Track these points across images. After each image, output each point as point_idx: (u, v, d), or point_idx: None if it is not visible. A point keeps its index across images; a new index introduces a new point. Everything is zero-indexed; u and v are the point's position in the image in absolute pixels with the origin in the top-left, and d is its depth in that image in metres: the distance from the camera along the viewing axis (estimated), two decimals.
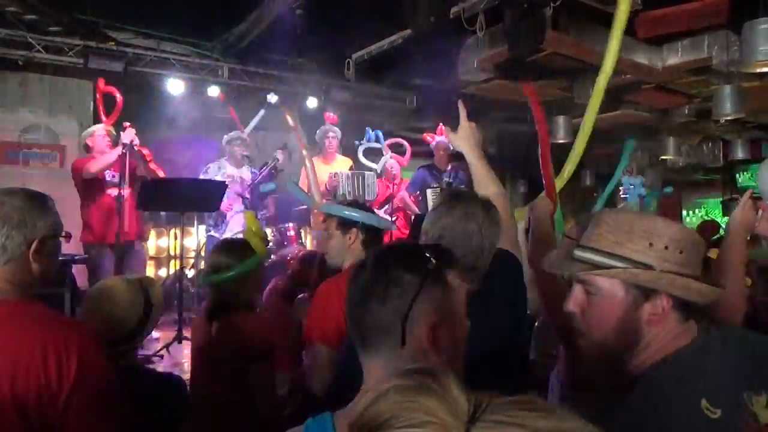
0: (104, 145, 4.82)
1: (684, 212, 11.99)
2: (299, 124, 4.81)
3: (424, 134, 6.02)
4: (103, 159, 4.65)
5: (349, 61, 7.14)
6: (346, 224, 2.17)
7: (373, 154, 6.35)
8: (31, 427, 1.27)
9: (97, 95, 5.20)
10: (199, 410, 2.13)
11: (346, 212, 2.19)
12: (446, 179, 5.62)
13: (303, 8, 6.01)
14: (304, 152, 4.70)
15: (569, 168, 2.82)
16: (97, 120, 6.20)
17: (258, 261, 2.23)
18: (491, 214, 1.47)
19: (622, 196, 8.04)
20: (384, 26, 6.39)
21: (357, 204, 2.29)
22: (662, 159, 9.94)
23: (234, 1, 5.94)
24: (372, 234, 2.19)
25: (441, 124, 5.86)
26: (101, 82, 5.22)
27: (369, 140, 6.25)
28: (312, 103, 7.33)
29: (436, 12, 4.65)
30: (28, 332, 1.32)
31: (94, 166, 4.63)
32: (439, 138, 5.80)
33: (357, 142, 6.09)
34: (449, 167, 5.81)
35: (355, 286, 0.99)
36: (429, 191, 5.44)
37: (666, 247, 1.07)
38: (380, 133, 6.33)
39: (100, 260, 4.66)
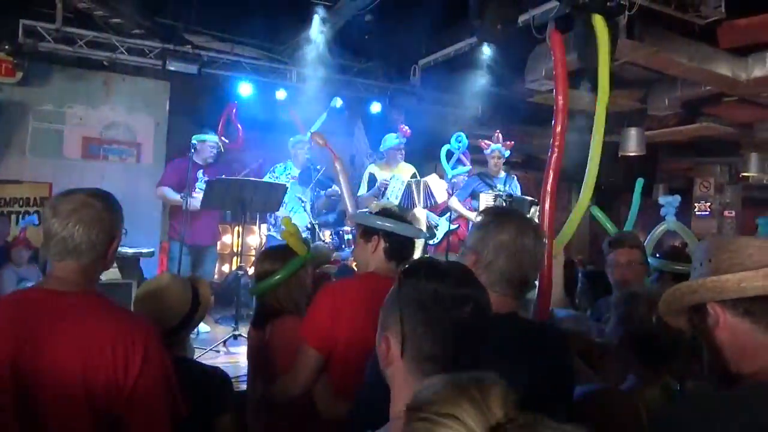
0: (208, 155, 5.20)
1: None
2: (328, 141, 5.30)
3: (480, 140, 5.94)
4: (171, 196, 5.06)
5: (415, 67, 7.15)
6: (368, 232, 2.11)
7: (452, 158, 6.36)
8: (99, 414, 1.36)
9: (223, 116, 5.76)
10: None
11: (366, 220, 2.15)
12: (499, 185, 5.55)
13: (372, 13, 6.07)
14: (337, 165, 4.96)
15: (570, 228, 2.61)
16: (178, 122, 6.82)
17: (301, 263, 2.23)
18: (539, 231, 1.53)
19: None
20: (451, 33, 6.35)
21: (387, 212, 2.18)
22: (743, 176, 9.40)
23: (304, 6, 6.07)
24: (396, 242, 2.08)
25: (498, 131, 5.81)
26: (233, 109, 5.81)
27: (459, 145, 6.25)
28: (376, 107, 7.38)
29: (504, 20, 4.57)
30: (99, 325, 1.40)
31: (162, 193, 5.11)
32: (494, 146, 5.72)
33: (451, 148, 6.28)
34: (502, 174, 5.76)
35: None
36: (483, 195, 5.36)
37: (701, 264, 1.15)
38: (467, 143, 6.32)
39: (177, 256, 4.90)
